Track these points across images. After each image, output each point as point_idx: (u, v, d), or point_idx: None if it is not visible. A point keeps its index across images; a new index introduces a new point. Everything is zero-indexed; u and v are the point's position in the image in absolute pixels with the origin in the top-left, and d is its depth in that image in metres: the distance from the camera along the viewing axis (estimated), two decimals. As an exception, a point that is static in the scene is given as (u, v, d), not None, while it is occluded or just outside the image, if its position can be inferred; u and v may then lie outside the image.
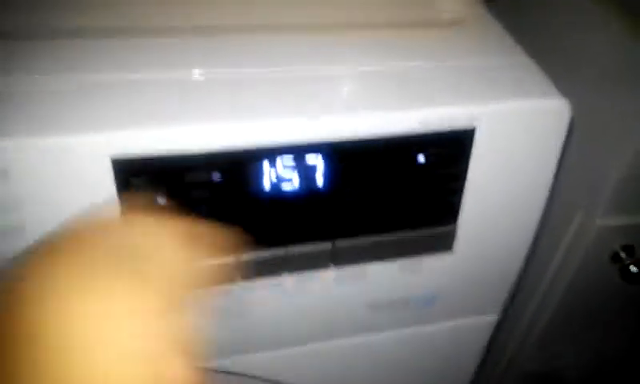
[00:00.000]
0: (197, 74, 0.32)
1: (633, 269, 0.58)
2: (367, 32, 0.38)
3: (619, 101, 0.50)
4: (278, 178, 0.32)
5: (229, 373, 0.40)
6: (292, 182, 0.32)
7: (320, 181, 0.32)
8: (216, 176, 0.31)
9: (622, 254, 0.58)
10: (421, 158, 0.33)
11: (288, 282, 0.36)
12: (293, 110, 0.31)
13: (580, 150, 0.47)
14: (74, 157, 0.28)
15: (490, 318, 0.45)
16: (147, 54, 0.33)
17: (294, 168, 0.32)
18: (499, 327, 0.50)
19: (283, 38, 0.36)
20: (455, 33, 0.39)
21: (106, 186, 0.29)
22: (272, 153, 0.31)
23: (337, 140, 0.31)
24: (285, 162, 0.31)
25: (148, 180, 0.30)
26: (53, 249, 0.22)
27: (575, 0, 0.55)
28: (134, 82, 0.31)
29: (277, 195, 0.32)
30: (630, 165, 0.51)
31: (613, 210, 0.55)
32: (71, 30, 0.34)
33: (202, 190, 0.31)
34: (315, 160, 0.32)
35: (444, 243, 0.37)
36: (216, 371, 0.40)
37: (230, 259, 0.33)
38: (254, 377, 0.42)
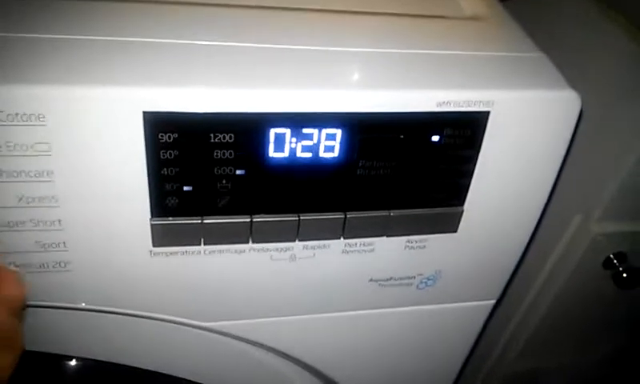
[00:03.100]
0: (223, 42, 0.34)
1: (625, 275, 0.59)
2: (389, 20, 0.40)
3: (619, 108, 0.52)
4: (295, 146, 0.33)
5: None
6: (309, 151, 0.33)
7: (336, 152, 0.34)
8: (238, 139, 0.32)
9: (615, 261, 0.60)
10: (435, 138, 0.34)
11: (298, 248, 0.37)
12: (315, 81, 0.32)
13: (579, 156, 0.49)
14: (109, 108, 0.29)
15: (488, 303, 0.46)
16: (174, 21, 0.35)
17: (311, 138, 0.33)
18: (488, 326, 0.51)
19: (305, 19, 0.38)
20: (474, 26, 0.40)
21: (135, 139, 0.30)
22: (292, 121, 0.32)
23: (355, 113, 0.32)
24: (303, 132, 0.33)
25: (175, 136, 0.31)
26: None
27: (580, 7, 0.56)
28: (161, 45, 0.33)
29: (294, 163, 0.34)
30: (630, 173, 0.53)
31: (609, 217, 0.56)
32: None
33: (224, 151, 0.32)
34: (333, 132, 0.33)
35: (450, 224, 0.38)
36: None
37: (243, 220, 0.35)
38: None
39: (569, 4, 0.58)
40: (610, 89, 0.52)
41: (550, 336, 0.68)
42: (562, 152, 0.37)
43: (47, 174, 0.30)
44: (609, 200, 0.55)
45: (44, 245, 0.33)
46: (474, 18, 0.41)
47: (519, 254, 0.43)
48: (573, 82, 0.35)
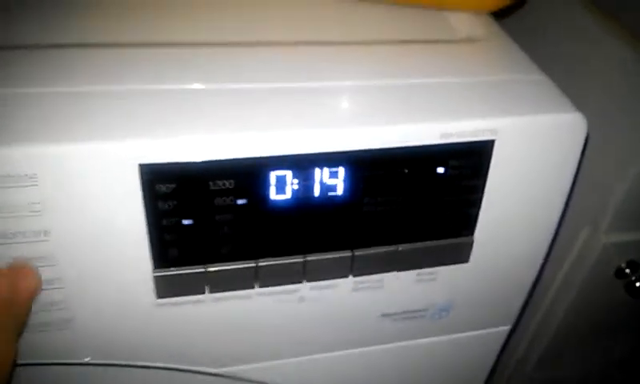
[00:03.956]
0: (213, 86, 0.33)
1: (638, 284, 0.58)
2: (383, 48, 0.39)
3: (626, 117, 0.51)
4: (299, 186, 0.32)
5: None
6: (313, 192, 0.33)
7: (340, 191, 0.33)
8: (239, 184, 0.31)
9: (627, 270, 0.59)
10: (440, 170, 0.33)
11: (305, 289, 0.36)
12: (315, 121, 0.32)
13: (586, 166, 0.48)
14: (103, 163, 0.28)
15: (503, 329, 0.45)
16: (166, 66, 0.34)
17: (315, 178, 0.32)
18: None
19: (299, 53, 0.37)
20: (470, 50, 0.39)
21: (132, 192, 0.29)
22: (294, 162, 0.31)
23: (357, 151, 0.32)
24: (306, 172, 0.32)
25: (173, 187, 0.30)
26: None
27: (578, 19, 0.56)
28: (154, 92, 0.32)
29: (297, 204, 0.33)
30: (636, 180, 0.52)
31: (618, 226, 0.55)
32: (78, 42, 0.35)
33: (225, 197, 0.31)
34: (337, 170, 0.32)
35: (461, 254, 0.37)
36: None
37: (248, 265, 0.34)
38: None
39: (566, 16, 0.57)
40: (612, 98, 0.52)
41: (565, 346, 0.67)
42: (571, 174, 0.36)
43: (43, 234, 0.30)
44: (616, 209, 0.55)
45: (44, 304, 0.32)
46: (468, 41, 0.40)
47: (533, 278, 0.42)
48: (574, 94, 0.34)
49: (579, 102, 0.35)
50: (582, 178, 0.50)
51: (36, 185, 0.28)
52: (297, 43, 0.38)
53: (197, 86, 0.33)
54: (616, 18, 0.53)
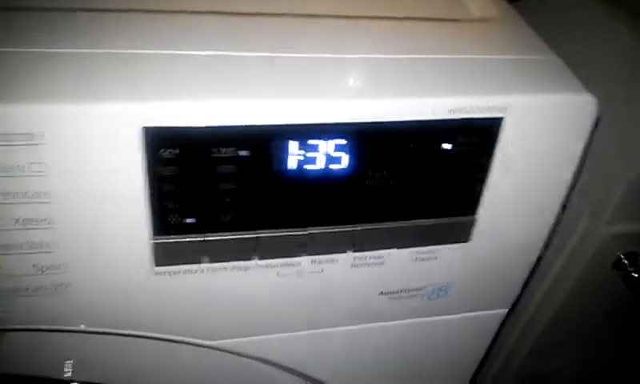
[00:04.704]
0: (221, 52, 0.32)
1: (635, 276, 0.58)
2: (396, 24, 0.38)
3: (627, 108, 0.51)
4: (302, 158, 0.32)
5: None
6: (316, 164, 0.32)
7: (345, 164, 0.32)
8: (242, 153, 0.31)
9: (625, 261, 0.59)
10: (447, 146, 0.33)
11: (305, 263, 0.36)
12: (321, 90, 0.31)
13: (590, 155, 0.48)
14: (106, 124, 0.28)
15: (500, 312, 0.45)
16: (174, 31, 0.34)
17: (319, 149, 0.32)
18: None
19: (310, 24, 0.37)
20: (484, 29, 0.39)
21: (134, 156, 0.29)
22: (298, 133, 0.31)
23: (363, 123, 0.31)
24: (310, 143, 0.31)
25: (176, 152, 0.30)
26: None
27: (588, 6, 0.55)
28: (161, 56, 0.31)
29: (300, 176, 0.32)
30: (638, 171, 0.52)
31: (618, 217, 0.55)
32: (86, 6, 0.34)
33: (227, 165, 0.31)
34: (341, 142, 0.32)
35: (462, 234, 0.37)
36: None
37: (248, 236, 0.34)
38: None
39: (577, 3, 0.57)
40: (618, 88, 0.51)
41: (559, 337, 0.67)
42: (578, 158, 0.35)
43: (44, 195, 0.29)
44: (618, 200, 0.54)
45: (42, 268, 0.32)
46: (482, 21, 0.39)
47: (532, 262, 0.41)
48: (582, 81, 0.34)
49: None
50: (585, 165, 0.50)
51: (37, 144, 0.27)
52: (308, 15, 0.37)
53: (205, 52, 0.32)
54: (626, 6, 0.52)
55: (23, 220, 0.29)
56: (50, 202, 0.29)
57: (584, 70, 0.38)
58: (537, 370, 0.73)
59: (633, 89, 0.51)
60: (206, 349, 0.40)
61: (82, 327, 0.36)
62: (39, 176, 0.28)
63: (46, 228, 0.30)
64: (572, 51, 0.44)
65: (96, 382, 0.41)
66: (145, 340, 0.38)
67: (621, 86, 0.51)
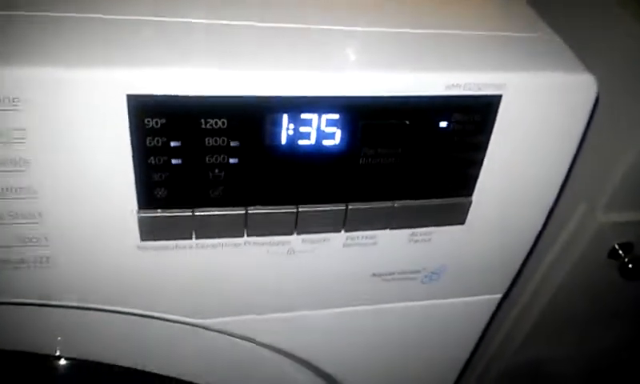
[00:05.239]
0: (212, 21, 0.31)
1: (631, 266, 0.58)
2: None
3: (626, 96, 0.50)
4: (294, 133, 0.31)
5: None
6: (308, 139, 0.31)
7: (338, 140, 0.31)
8: (231, 124, 0.30)
9: (620, 251, 0.58)
10: (443, 124, 0.32)
11: (296, 242, 0.35)
12: (314, 63, 0.30)
13: (587, 141, 0.47)
14: (89, 91, 0.27)
15: (494, 297, 0.44)
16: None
17: (311, 124, 0.31)
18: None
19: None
20: (484, 5, 0.38)
21: (119, 125, 0.28)
22: (289, 105, 0.30)
23: (357, 97, 0.30)
24: (302, 117, 0.30)
25: (163, 122, 0.29)
26: None
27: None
28: (147, 22, 0.30)
29: (292, 151, 0.31)
30: (636, 161, 0.51)
31: (615, 206, 0.55)
32: None
33: (217, 138, 0.30)
34: (334, 117, 0.31)
35: (457, 215, 0.36)
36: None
37: (238, 212, 0.33)
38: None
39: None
40: (617, 76, 0.50)
41: (553, 325, 0.67)
42: (577, 140, 0.34)
43: (24, 163, 0.28)
44: (615, 189, 0.54)
45: (24, 239, 0.31)
46: (481, -3, 0.38)
47: (528, 247, 0.41)
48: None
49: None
50: (583, 153, 0.49)
51: (18, 109, 0.26)
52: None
53: (194, 19, 0.31)
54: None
55: (3, 189, 0.28)
56: (28, 171, 0.28)
57: (583, 53, 0.37)
58: (530, 358, 0.73)
59: (631, 76, 0.50)
60: (210, 333, 0.39)
61: (67, 303, 0.35)
62: (19, 143, 0.27)
63: (26, 198, 0.29)
64: (572, 34, 0.43)
65: (84, 357, 0.41)
66: (133, 317, 0.37)
67: (620, 73, 0.50)
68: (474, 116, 0.32)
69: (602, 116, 0.50)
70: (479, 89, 0.31)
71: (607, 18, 0.52)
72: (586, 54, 0.36)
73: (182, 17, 0.31)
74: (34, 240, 0.31)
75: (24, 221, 0.30)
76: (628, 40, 0.50)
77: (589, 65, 0.34)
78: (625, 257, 0.58)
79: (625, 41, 0.50)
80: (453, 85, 0.30)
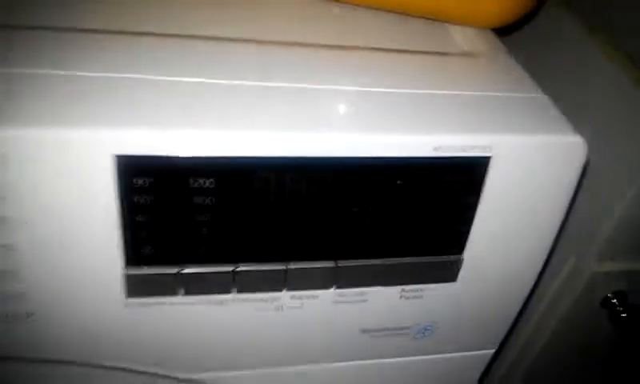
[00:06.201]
0: (203, 80, 0.31)
1: (624, 316, 0.57)
2: (380, 55, 0.38)
3: (615, 146, 0.50)
4: (284, 191, 0.31)
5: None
6: (297, 197, 0.31)
7: (327, 198, 0.31)
8: (220, 183, 0.30)
9: (614, 301, 0.58)
10: (433, 184, 0.32)
11: (285, 298, 0.34)
12: (303, 123, 0.30)
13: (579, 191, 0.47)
14: (76, 152, 0.27)
15: (487, 352, 0.43)
16: (150, 56, 0.32)
17: (300, 183, 0.31)
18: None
19: (293, 54, 0.36)
20: (471, 64, 0.38)
21: (106, 184, 0.28)
22: (278, 165, 0.30)
23: (347, 158, 0.30)
24: (291, 177, 0.30)
25: (150, 181, 0.29)
26: None
27: (579, 47, 0.55)
28: (135, 80, 0.30)
29: (281, 209, 0.31)
30: (627, 210, 0.51)
31: (607, 255, 0.55)
32: (70, 27, 0.33)
33: (204, 196, 0.30)
34: (323, 177, 0.31)
35: (448, 273, 0.36)
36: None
37: (226, 269, 0.32)
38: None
39: (567, 43, 0.57)
40: (605, 126, 0.51)
41: (545, 374, 0.66)
42: (567, 199, 0.34)
43: (4, 221, 0.28)
44: (606, 238, 0.54)
45: (5, 295, 0.30)
46: (470, 55, 0.39)
47: (521, 303, 0.40)
48: (568, 119, 0.33)
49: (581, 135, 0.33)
50: (575, 201, 0.50)
51: (1, 167, 0.26)
52: (291, 44, 0.36)
53: (182, 78, 0.31)
54: (617, 44, 0.52)
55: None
56: (10, 229, 0.28)
57: (572, 105, 0.37)
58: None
59: (621, 127, 0.50)
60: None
61: (49, 357, 0.34)
62: (7, 199, 0.27)
63: (7, 253, 0.29)
64: (561, 87, 0.44)
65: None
66: (120, 372, 0.36)
67: (609, 124, 0.51)
68: (464, 176, 0.32)
69: (591, 165, 0.50)
70: (466, 151, 0.31)
71: (593, 71, 0.53)
72: (576, 104, 0.36)
73: (166, 76, 0.31)
74: (17, 295, 0.30)
75: (7, 277, 0.29)
76: (616, 92, 0.51)
77: (579, 115, 0.34)
78: (618, 306, 0.57)
79: (613, 93, 0.51)
80: (441, 146, 0.30)
